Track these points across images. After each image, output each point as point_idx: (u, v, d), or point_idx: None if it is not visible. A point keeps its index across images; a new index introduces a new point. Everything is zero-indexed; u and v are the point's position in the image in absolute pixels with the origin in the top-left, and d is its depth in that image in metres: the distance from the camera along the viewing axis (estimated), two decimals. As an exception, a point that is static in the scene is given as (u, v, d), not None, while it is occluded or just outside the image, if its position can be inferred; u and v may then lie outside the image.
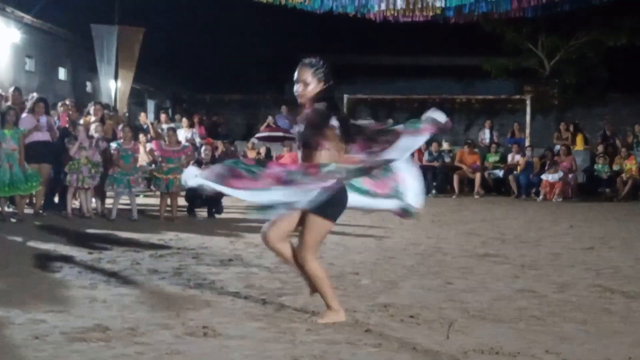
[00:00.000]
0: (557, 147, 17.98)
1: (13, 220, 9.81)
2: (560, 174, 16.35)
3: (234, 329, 4.45)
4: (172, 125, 16.43)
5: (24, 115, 10.43)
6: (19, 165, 9.71)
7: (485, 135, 19.73)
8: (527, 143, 18.49)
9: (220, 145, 18.04)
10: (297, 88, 4.68)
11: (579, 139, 19.35)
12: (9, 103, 10.79)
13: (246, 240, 8.60)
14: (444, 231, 10.00)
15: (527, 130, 19.20)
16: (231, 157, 17.77)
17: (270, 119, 20.24)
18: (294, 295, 5.49)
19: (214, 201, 11.30)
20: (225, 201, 11.76)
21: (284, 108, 20.91)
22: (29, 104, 10.74)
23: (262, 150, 18.64)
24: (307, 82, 4.64)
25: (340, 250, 8.02)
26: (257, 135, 19.59)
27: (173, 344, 4.10)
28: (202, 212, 11.44)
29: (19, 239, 8.44)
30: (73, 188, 10.58)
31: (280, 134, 19.32)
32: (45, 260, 6.99)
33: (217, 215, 11.30)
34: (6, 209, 10.14)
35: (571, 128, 19.51)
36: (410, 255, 7.71)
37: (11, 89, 11.60)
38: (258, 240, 8.43)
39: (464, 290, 5.84)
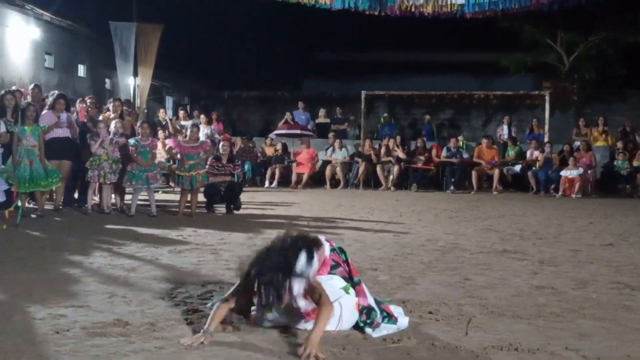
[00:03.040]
0: (577, 143, 17.87)
1: (33, 215, 9.89)
2: (580, 170, 16.25)
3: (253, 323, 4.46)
4: (194, 121, 16.51)
5: (44, 111, 10.51)
6: (39, 162, 9.78)
7: (504, 131, 19.64)
8: (545, 139, 18.39)
9: (239, 142, 18.12)
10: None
11: (599, 135, 19.16)
12: (29, 100, 10.87)
13: (264, 235, 8.62)
14: (462, 227, 9.97)
15: (546, 126, 19.10)
16: (249, 153, 17.86)
17: (288, 115, 20.28)
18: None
19: (232, 197, 11.35)
20: (243, 197, 11.80)
21: (300, 104, 20.94)
22: (49, 101, 10.83)
23: (279, 147, 18.67)
24: None
25: (358, 246, 8.03)
26: (276, 131, 19.64)
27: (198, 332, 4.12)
28: (221, 208, 11.48)
29: (39, 235, 8.51)
30: (94, 184, 10.66)
31: (298, 130, 19.37)
32: (65, 256, 7.04)
33: (235, 211, 11.33)
34: (26, 204, 10.22)
35: (601, 122, 19.24)
36: (429, 252, 7.70)
37: (31, 86, 11.70)
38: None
39: (482, 287, 5.82)
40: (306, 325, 4.19)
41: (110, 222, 9.77)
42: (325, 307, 4.06)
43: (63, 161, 10.52)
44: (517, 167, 17.74)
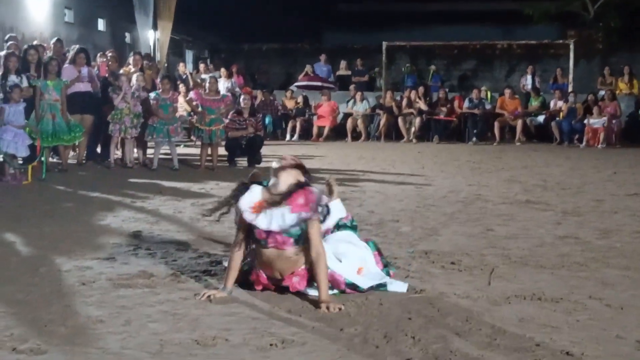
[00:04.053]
0: (601, 92, 17.61)
1: (57, 170, 9.97)
2: (604, 119, 16.05)
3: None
4: (213, 74, 16.45)
5: (65, 66, 10.51)
6: (62, 116, 9.82)
7: (527, 82, 19.37)
8: (570, 89, 18.13)
9: (260, 95, 18.06)
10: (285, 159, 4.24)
11: (624, 84, 18.85)
12: (51, 54, 10.88)
13: (286, 188, 8.62)
14: (484, 178, 9.92)
15: (570, 76, 18.81)
16: (269, 106, 17.82)
17: (308, 67, 20.13)
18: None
19: (253, 151, 11.36)
20: (264, 151, 11.81)
21: (322, 56, 20.78)
22: (70, 55, 10.82)
23: (300, 100, 18.58)
24: None
25: (380, 198, 8.02)
26: (296, 83, 19.53)
27: (216, 289, 4.16)
28: (242, 162, 11.50)
29: (63, 189, 8.59)
30: (116, 138, 10.71)
31: (319, 82, 19.25)
32: (89, 210, 7.11)
33: (257, 165, 11.35)
34: (50, 159, 10.30)
35: (626, 71, 18.90)
36: (451, 203, 7.68)
37: (53, 40, 11.68)
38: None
39: (505, 237, 5.81)
40: (313, 292, 4.08)
41: (133, 176, 9.84)
42: (319, 259, 3.98)
43: (85, 115, 10.56)
44: (541, 118, 17.54)
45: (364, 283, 4.18)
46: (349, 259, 4.31)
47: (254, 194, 4.07)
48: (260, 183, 4.19)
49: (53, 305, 3.86)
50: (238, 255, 4.12)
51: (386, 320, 3.65)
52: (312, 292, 4.07)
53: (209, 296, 3.98)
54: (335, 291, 4.11)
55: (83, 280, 4.36)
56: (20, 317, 3.65)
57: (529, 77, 19.42)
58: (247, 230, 4.10)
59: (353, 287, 4.16)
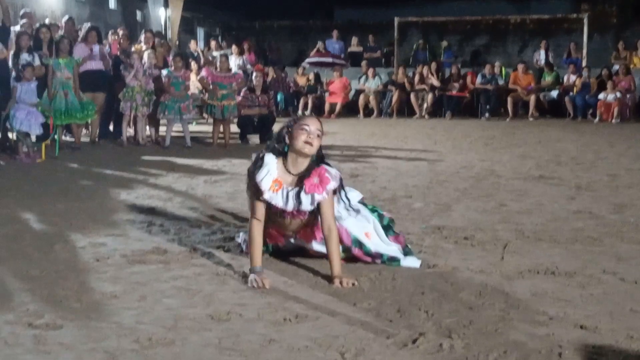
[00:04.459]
0: (615, 67, 17.45)
1: (70, 148, 10.00)
2: (618, 94, 15.91)
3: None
4: (223, 52, 16.40)
5: (77, 44, 10.51)
6: (75, 94, 9.83)
7: (541, 56, 19.21)
8: (583, 63, 17.98)
9: (271, 72, 18.00)
10: (313, 140, 3.96)
11: (639, 58, 18.70)
12: (62, 33, 10.87)
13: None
14: (497, 154, 9.88)
15: (584, 50, 18.64)
16: (281, 83, 17.77)
17: (320, 44, 20.04)
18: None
19: (265, 128, 11.34)
20: (276, 128, 11.79)
21: (334, 33, 20.67)
22: (81, 33, 10.82)
23: (312, 76, 18.51)
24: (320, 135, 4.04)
25: (392, 174, 8.01)
26: (308, 60, 19.45)
27: (230, 265, 4.18)
28: (254, 138, 11.50)
29: (76, 167, 8.63)
30: (127, 116, 10.72)
31: (330, 59, 19.16)
32: (103, 187, 7.14)
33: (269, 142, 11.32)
34: (63, 137, 10.33)
35: None
36: (464, 179, 7.66)
37: (65, 19, 11.68)
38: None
39: (518, 212, 5.79)
40: (320, 248, 4.13)
41: (145, 154, 9.86)
42: (330, 235, 3.95)
43: (97, 93, 10.57)
44: (554, 93, 17.41)
45: (371, 245, 4.20)
46: (358, 219, 4.32)
47: (271, 169, 4.01)
48: (274, 149, 4.08)
49: (68, 281, 3.89)
50: (259, 230, 4.01)
51: (399, 295, 3.66)
52: (318, 248, 4.15)
53: (259, 286, 3.76)
54: (341, 248, 4.09)
55: (97, 256, 4.39)
56: (35, 293, 3.68)
57: (542, 52, 19.26)
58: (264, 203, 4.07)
59: (359, 245, 4.18)
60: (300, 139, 3.93)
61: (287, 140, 4.01)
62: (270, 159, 4.04)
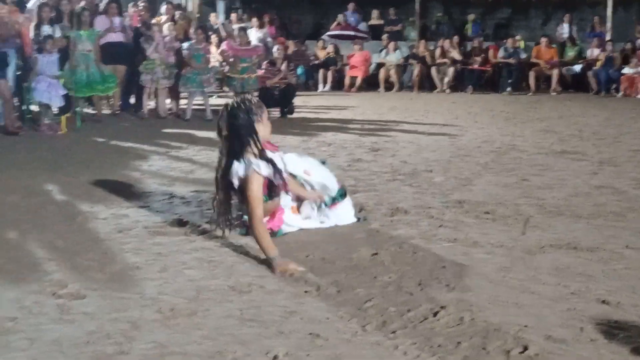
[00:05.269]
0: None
1: (92, 120, 10.05)
2: (642, 68, 15.69)
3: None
4: (242, 25, 16.33)
5: (98, 17, 10.51)
6: (96, 66, 9.86)
7: (564, 30, 18.96)
8: (607, 37, 17.73)
9: (292, 45, 17.93)
10: None
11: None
12: (83, 5, 10.87)
13: (318, 139, 8.62)
14: (519, 129, 9.80)
15: (608, 24, 18.38)
16: (301, 56, 17.69)
17: (340, 17, 19.89)
18: (367, 192, 5.52)
19: (286, 101, 11.33)
20: (296, 101, 11.78)
21: (351, 5, 20.48)
22: (102, 6, 10.82)
23: (332, 49, 18.40)
24: None
25: (413, 148, 7.98)
26: (328, 33, 19.34)
27: (251, 237, 4.19)
28: (275, 112, 11.48)
29: (98, 139, 8.67)
30: (148, 88, 10.74)
31: (351, 32, 19.04)
32: (124, 159, 7.18)
33: (289, 115, 11.33)
34: (84, 110, 10.38)
35: None
36: (485, 153, 7.62)
37: (85, -9, 11.68)
38: (330, 139, 8.48)
39: (540, 187, 5.76)
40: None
41: (166, 127, 9.88)
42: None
43: (118, 66, 10.58)
44: (577, 67, 17.21)
45: (313, 180, 4.47)
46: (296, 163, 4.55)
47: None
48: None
49: (91, 252, 3.93)
50: (263, 223, 3.94)
51: (420, 269, 3.66)
52: (287, 229, 4.34)
53: (291, 274, 3.56)
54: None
55: (119, 228, 4.42)
56: (59, 263, 3.72)
57: (566, 25, 18.99)
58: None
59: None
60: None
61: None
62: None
